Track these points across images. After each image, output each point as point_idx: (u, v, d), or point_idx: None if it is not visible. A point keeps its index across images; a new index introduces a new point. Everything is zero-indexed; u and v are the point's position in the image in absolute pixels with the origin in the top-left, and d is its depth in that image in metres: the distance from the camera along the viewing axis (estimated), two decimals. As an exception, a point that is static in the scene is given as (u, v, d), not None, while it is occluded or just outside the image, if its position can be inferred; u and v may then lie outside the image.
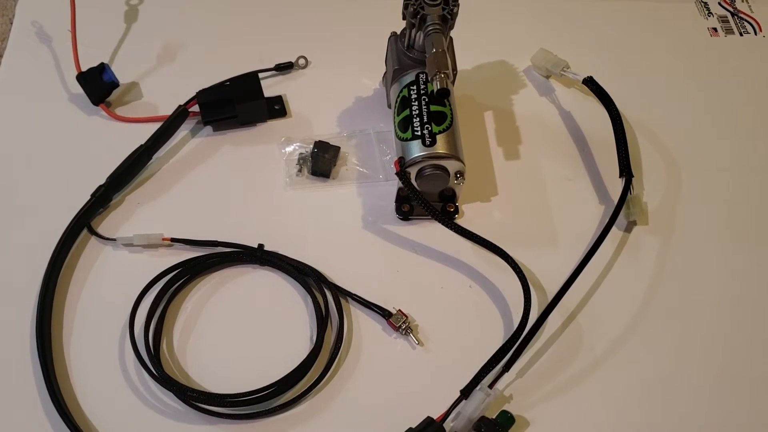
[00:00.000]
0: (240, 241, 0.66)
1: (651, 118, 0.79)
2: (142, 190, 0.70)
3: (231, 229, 0.68)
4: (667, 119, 0.80)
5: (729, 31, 0.88)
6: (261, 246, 0.66)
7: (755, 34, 0.88)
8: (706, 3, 0.90)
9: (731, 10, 0.90)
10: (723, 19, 0.89)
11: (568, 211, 0.73)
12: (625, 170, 0.72)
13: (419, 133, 0.66)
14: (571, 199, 0.73)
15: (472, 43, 0.79)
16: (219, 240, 0.66)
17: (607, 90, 0.76)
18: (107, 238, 0.67)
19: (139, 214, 0.69)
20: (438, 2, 0.67)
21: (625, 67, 0.84)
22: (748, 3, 0.91)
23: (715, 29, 0.88)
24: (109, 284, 0.65)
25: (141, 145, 0.70)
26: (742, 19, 0.89)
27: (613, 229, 0.69)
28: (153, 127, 0.71)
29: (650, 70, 0.84)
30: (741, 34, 0.88)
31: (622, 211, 0.70)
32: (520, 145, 0.77)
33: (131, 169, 0.69)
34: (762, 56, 0.86)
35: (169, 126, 0.72)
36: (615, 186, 0.73)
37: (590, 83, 0.77)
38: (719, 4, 0.91)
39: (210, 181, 0.72)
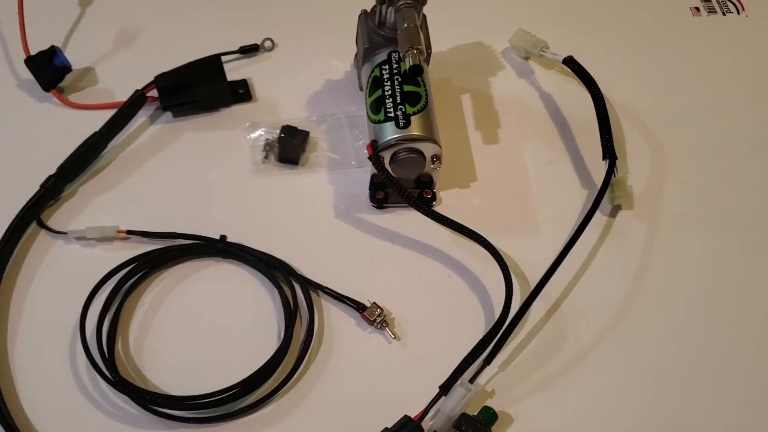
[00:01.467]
0: (202, 233, 0.62)
1: (633, 99, 0.76)
2: (97, 180, 0.66)
3: (192, 220, 0.63)
4: (651, 100, 0.77)
5: (711, 10, 0.85)
6: (223, 237, 0.62)
7: (738, 13, 0.85)
8: (687, -19, 0.88)
9: (714, -12, 0.87)
10: (705, -1, 0.86)
11: (551, 196, 0.69)
12: (609, 152, 0.68)
13: (392, 114, 0.62)
14: (553, 183, 0.70)
15: (448, 24, 0.76)
16: (179, 232, 0.62)
17: (588, 70, 0.73)
18: (58, 232, 0.62)
19: (94, 206, 0.64)
20: (409, -25, 0.63)
21: (607, 48, 0.81)
22: (730, -19, 0.88)
23: (697, 9, 0.85)
24: (60, 281, 0.60)
25: (95, 133, 0.65)
26: (724, -2, 0.86)
27: (598, 213, 0.66)
28: (109, 114, 0.67)
29: (632, 50, 0.81)
30: (724, 14, 0.85)
31: (606, 194, 0.67)
32: (500, 129, 0.73)
33: (84, 158, 0.65)
34: (745, 35, 0.84)
35: (126, 112, 0.67)
36: (598, 170, 0.69)
37: (570, 63, 0.73)
38: (701, -18, 0.88)
39: (170, 170, 0.67)
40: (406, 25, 0.60)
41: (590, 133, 0.71)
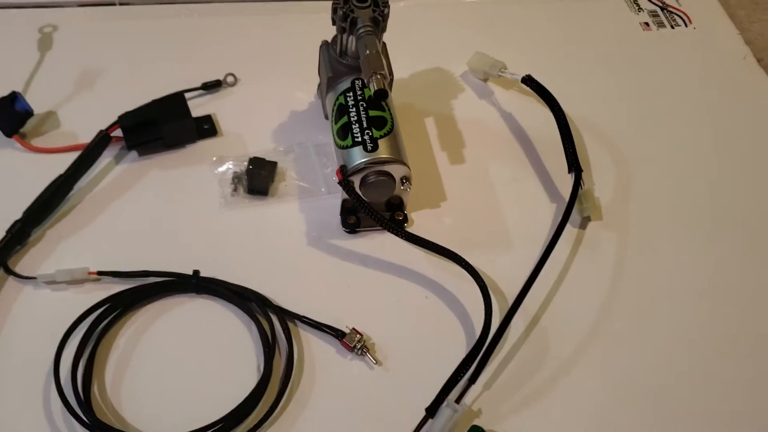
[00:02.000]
0: (174, 270, 0.61)
1: (592, 115, 0.78)
2: (64, 223, 0.64)
3: (164, 257, 0.62)
4: (609, 114, 0.79)
5: (660, 24, 0.88)
6: (196, 272, 0.61)
7: (686, 26, 0.89)
8: (635, -1, 0.91)
9: (660, 4, 0.90)
10: (653, 14, 0.89)
11: (520, 211, 0.70)
12: (574, 165, 0.70)
13: (359, 138, 0.63)
14: (522, 199, 0.71)
15: (407, 50, 0.77)
16: (151, 270, 0.61)
17: (546, 87, 0.74)
18: (26, 277, 0.60)
19: (62, 249, 0.63)
20: (368, 4, 0.64)
21: (562, 67, 0.83)
22: (675, -3, 0.92)
23: (647, 23, 0.88)
24: (31, 327, 0.59)
25: (60, 175, 0.64)
26: (671, 12, 0.89)
27: (568, 226, 0.67)
28: (73, 157, 0.66)
29: (586, 67, 0.83)
30: (672, 27, 0.88)
31: (575, 207, 0.68)
32: (464, 149, 0.74)
33: (50, 202, 0.64)
34: (694, 47, 0.87)
35: (90, 153, 0.66)
36: (564, 183, 0.71)
37: (529, 81, 0.75)
38: (648, -1, 0.91)
39: (138, 209, 0.66)
40: (368, 51, 0.61)
41: (553, 148, 0.72)
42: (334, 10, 0.64)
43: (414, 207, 0.69)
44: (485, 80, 0.80)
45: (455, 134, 0.75)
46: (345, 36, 0.65)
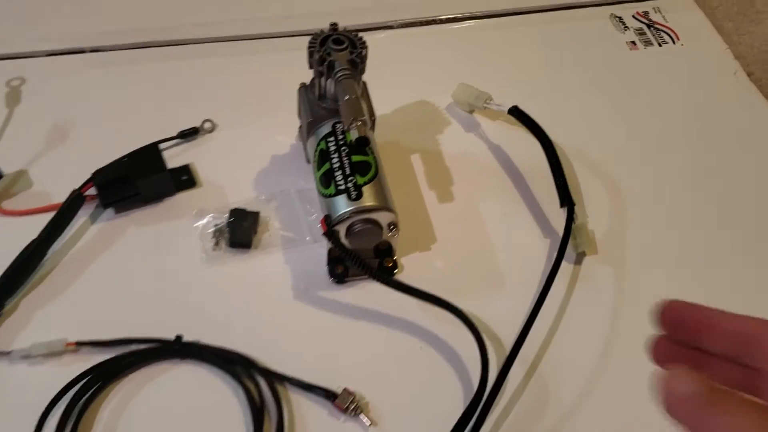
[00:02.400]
0: (156, 335, 0.59)
1: (582, 141, 0.76)
2: (39, 291, 0.62)
3: (145, 322, 0.60)
4: (600, 140, 0.77)
5: (647, 42, 0.86)
6: (179, 337, 0.58)
7: (674, 43, 0.87)
8: (620, 17, 0.88)
9: (646, 21, 0.88)
10: (640, 32, 0.87)
11: (513, 249, 0.68)
12: (566, 199, 0.67)
13: (343, 186, 0.60)
14: (514, 236, 0.69)
15: (389, 86, 0.74)
16: (131, 337, 0.58)
17: (533, 118, 0.72)
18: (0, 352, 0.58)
19: (38, 320, 0.60)
20: (344, 46, 0.62)
21: (549, 92, 0.80)
22: (661, 13, 0.89)
23: (633, 42, 0.86)
24: (7, 405, 0.56)
25: (32, 241, 0.62)
26: (658, 29, 0.87)
27: (563, 263, 0.65)
28: (46, 219, 0.63)
29: (574, 91, 0.81)
30: (660, 45, 0.86)
31: (569, 242, 0.66)
32: (453, 186, 0.72)
33: (24, 270, 0.61)
34: (684, 64, 0.85)
35: (64, 214, 0.64)
36: (557, 217, 0.68)
37: (516, 113, 0.72)
38: (633, 17, 0.89)
39: (116, 271, 0.64)
40: (347, 97, 0.59)
41: (543, 180, 0.70)
42: (310, 54, 0.62)
43: (404, 251, 0.66)
44: (471, 112, 0.78)
45: (443, 171, 0.73)
46: (323, 79, 0.63)
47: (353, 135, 0.58)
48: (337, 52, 0.61)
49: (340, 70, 0.61)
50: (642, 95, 0.81)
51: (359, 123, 0.58)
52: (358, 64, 0.62)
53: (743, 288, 0.67)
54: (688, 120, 0.79)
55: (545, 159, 0.70)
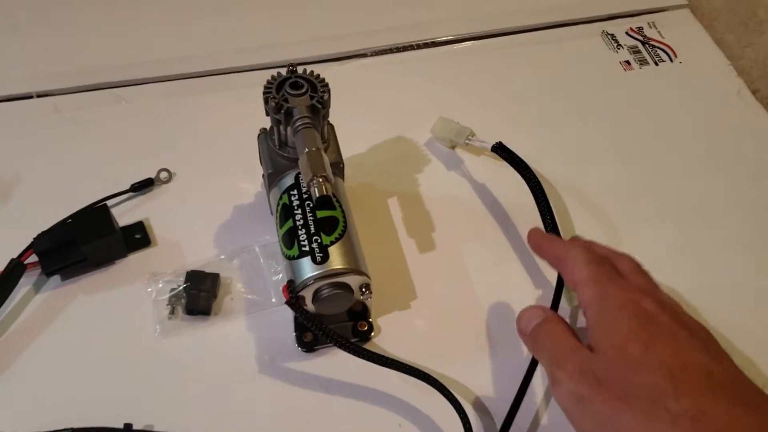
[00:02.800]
0: (104, 423, 0.52)
1: (575, 174, 0.69)
2: (-26, 375, 0.56)
3: (92, 407, 0.54)
4: (595, 172, 0.70)
5: (643, 62, 0.80)
6: (128, 426, 0.52)
7: (671, 61, 0.80)
8: (612, 35, 0.82)
9: (641, 38, 0.82)
10: (634, 50, 0.80)
11: (502, 304, 0.61)
12: (558, 248, 0.61)
13: (307, 248, 0.54)
14: (503, 288, 0.62)
15: (363, 118, 0.70)
16: (75, 427, 0.52)
17: (520, 152, 0.66)
18: (-73, 452, 0.52)
19: (-29, 409, 0.54)
20: (303, 90, 0.55)
21: (537, 121, 0.74)
22: (656, 29, 0.83)
23: (627, 62, 0.80)
24: None
25: (-36, 320, 0.56)
26: (654, 47, 0.81)
27: (557, 318, 0.58)
28: (-17, 290, 0.57)
29: (566, 119, 0.75)
30: (656, 63, 0.80)
31: (563, 295, 0.60)
32: (434, 233, 0.65)
33: (-44, 352, 0.55)
34: (683, 85, 0.78)
35: (1, 287, 0.58)
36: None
37: (500, 150, 0.66)
38: (627, 33, 0.82)
39: (62, 347, 0.57)
40: (306, 150, 0.52)
41: (534, 221, 0.63)
42: (266, 101, 0.56)
43: (380, 311, 0.60)
44: (453, 147, 0.71)
45: (423, 216, 0.66)
46: (282, 127, 0.57)
47: (314, 193, 0.51)
48: (296, 98, 0.55)
49: (298, 118, 0.54)
50: (639, 120, 0.74)
51: (320, 179, 0.51)
52: (319, 110, 0.55)
53: (751, 326, 0.60)
54: (690, 147, 0.73)
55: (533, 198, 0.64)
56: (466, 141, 0.68)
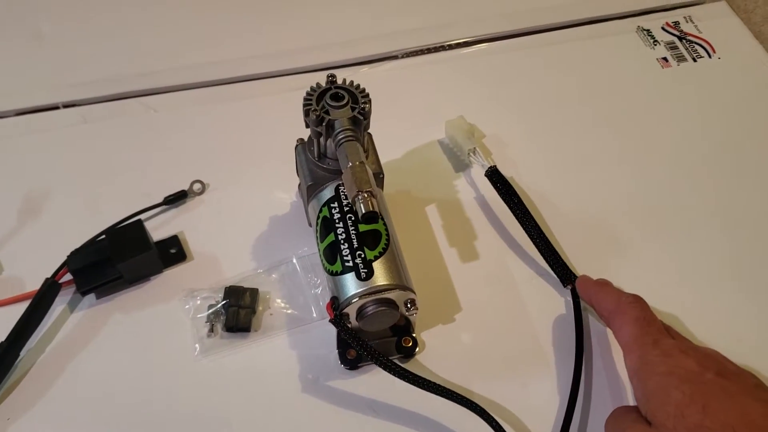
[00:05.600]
0: (147, 446, 0.51)
1: (616, 177, 0.67)
2: (12, 399, 0.54)
3: (133, 428, 0.52)
4: (640, 177, 0.68)
5: (680, 58, 0.77)
6: (173, 452, 0.51)
7: (709, 56, 0.78)
8: (648, 30, 0.80)
9: (677, 34, 0.79)
10: (671, 46, 0.78)
11: (547, 316, 0.59)
12: (567, 278, 0.60)
13: (351, 263, 0.52)
14: (546, 300, 0.60)
15: (397, 124, 0.67)
16: (117, 452, 0.51)
17: (556, 158, 0.64)
18: (-31, 480, 0.51)
19: (11, 435, 0.53)
20: (345, 102, 0.53)
21: (567, 125, 0.72)
22: (693, 23, 0.80)
23: (665, 59, 0.77)
24: None
25: (1, 344, 0.54)
26: (691, 42, 0.78)
27: (593, 329, 0.57)
28: (17, 310, 0.56)
29: (600, 122, 0.72)
30: (695, 60, 0.77)
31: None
32: (476, 241, 0.64)
33: (-7, 376, 0.54)
34: (722, 82, 0.76)
35: (37, 306, 0.56)
36: (588, 268, 0.60)
37: (493, 176, 0.64)
38: (663, 29, 0.80)
39: (100, 368, 0.56)
40: (350, 164, 0.51)
41: (578, 228, 0.62)
42: (306, 113, 0.54)
43: (424, 325, 0.58)
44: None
45: (464, 223, 0.65)
46: (322, 139, 0.55)
47: (360, 209, 0.50)
48: (337, 110, 0.53)
49: (341, 131, 0.53)
50: (678, 122, 0.72)
51: (365, 194, 0.50)
52: (361, 121, 0.54)
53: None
54: (732, 153, 0.70)
55: (572, 202, 0.62)
56: (468, 159, 0.67)
